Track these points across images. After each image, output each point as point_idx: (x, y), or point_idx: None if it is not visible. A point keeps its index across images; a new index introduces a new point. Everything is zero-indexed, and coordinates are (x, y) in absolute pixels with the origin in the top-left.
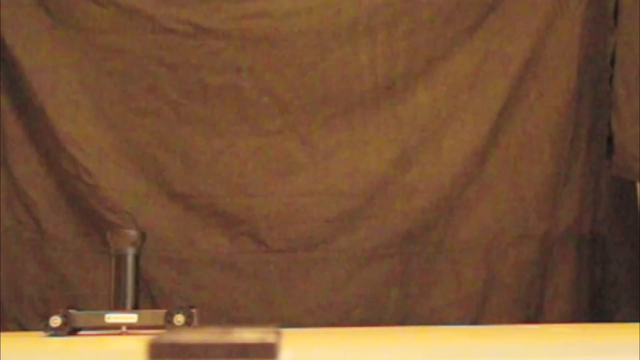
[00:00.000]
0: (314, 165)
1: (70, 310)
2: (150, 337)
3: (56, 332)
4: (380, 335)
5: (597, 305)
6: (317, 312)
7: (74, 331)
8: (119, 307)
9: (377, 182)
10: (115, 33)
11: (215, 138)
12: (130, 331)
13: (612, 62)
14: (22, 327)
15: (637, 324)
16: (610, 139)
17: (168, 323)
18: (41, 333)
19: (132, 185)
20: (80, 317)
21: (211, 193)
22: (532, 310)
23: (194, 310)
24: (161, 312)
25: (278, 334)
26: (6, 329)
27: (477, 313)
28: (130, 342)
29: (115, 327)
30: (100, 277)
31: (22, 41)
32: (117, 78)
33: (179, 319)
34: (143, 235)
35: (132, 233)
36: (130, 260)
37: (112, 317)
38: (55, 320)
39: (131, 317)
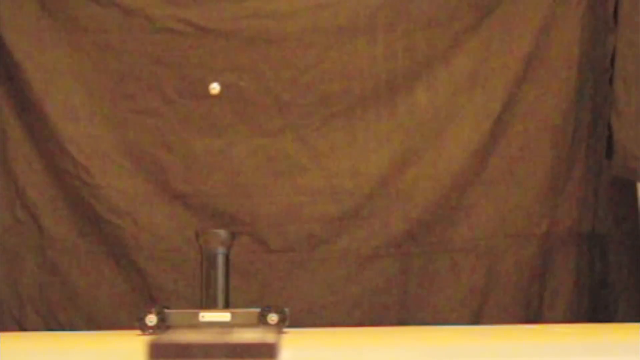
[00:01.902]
0: (314, 165)
1: (165, 309)
2: (151, 337)
3: (152, 330)
4: (380, 335)
5: (597, 305)
6: (317, 312)
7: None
8: (209, 306)
9: (377, 182)
10: (115, 33)
11: (215, 138)
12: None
13: (612, 62)
14: (22, 327)
15: (637, 324)
16: (610, 139)
17: (262, 322)
18: (137, 332)
19: (132, 185)
20: (175, 315)
21: (211, 193)
22: (532, 310)
23: (287, 310)
24: (254, 312)
25: (278, 334)
26: (6, 329)
27: (477, 313)
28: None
29: (209, 326)
30: (100, 277)
31: (22, 41)
32: (117, 78)
33: (273, 318)
34: (232, 235)
35: (222, 232)
36: (220, 259)
37: (206, 316)
38: (151, 319)
39: (224, 316)
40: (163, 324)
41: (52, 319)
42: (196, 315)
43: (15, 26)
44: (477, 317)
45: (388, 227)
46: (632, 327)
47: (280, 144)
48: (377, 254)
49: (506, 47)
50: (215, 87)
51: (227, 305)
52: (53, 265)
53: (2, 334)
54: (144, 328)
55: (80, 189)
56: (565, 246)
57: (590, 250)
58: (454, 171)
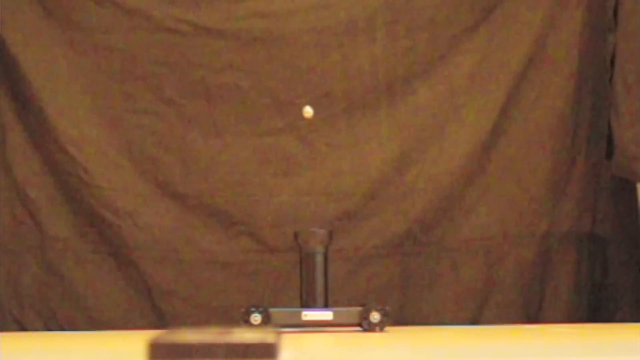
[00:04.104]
0: (314, 165)
1: (270, 308)
2: (151, 337)
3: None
4: (380, 335)
5: (597, 305)
6: None
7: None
8: (309, 304)
9: (377, 182)
10: (115, 33)
11: (215, 138)
12: (325, 329)
13: (612, 62)
14: (22, 327)
15: (637, 324)
16: (610, 139)
17: (364, 321)
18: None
19: (132, 185)
20: (278, 314)
21: (211, 193)
22: (532, 310)
23: (388, 309)
24: (356, 310)
25: (278, 334)
26: (6, 329)
27: (477, 313)
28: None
29: (311, 325)
30: (100, 277)
31: (22, 41)
32: (117, 78)
33: (375, 316)
34: (331, 234)
35: (321, 232)
36: (319, 258)
37: (308, 315)
38: (256, 318)
39: (327, 315)
40: (267, 323)
41: (52, 319)
42: (299, 314)
43: (15, 26)
44: (477, 317)
45: (388, 227)
46: (632, 327)
47: (280, 144)
48: (377, 254)
49: (506, 47)
50: (308, 111)
51: (326, 304)
52: (53, 265)
53: (2, 334)
54: (249, 327)
55: (80, 189)
56: (565, 246)
57: (590, 251)
58: (454, 171)
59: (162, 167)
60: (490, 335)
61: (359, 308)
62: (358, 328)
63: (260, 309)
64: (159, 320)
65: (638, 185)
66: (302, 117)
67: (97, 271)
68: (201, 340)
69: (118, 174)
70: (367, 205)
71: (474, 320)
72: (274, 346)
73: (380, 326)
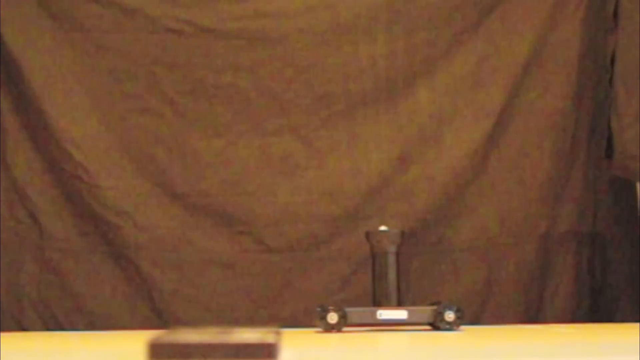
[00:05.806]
0: (314, 165)
1: (346, 308)
2: (151, 337)
3: (333, 328)
4: (380, 335)
5: (597, 305)
6: None
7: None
8: (382, 304)
9: (377, 182)
10: (115, 33)
11: (215, 138)
12: (398, 328)
13: (612, 62)
14: (22, 327)
15: (637, 324)
16: (610, 139)
17: (438, 319)
18: (318, 329)
19: (132, 185)
20: (354, 314)
21: (211, 193)
22: (532, 310)
23: (462, 307)
24: (430, 309)
25: (278, 334)
26: (6, 329)
27: (477, 313)
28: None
29: (386, 324)
30: (100, 277)
31: (22, 41)
32: (117, 77)
33: (450, 315)
34: (402, 234)
35: (394, 231)
36: (392, 258)
37: (383, 314)
38: (333, 317)
39: (401, 314)
40: (343, 322)
41: (52, 319)
42: (374, 313)
43: (15, 26)
44: (477, 317)
45: (388, 227)
46: (632, 327)
47: (280, 144)
48: None
49: (506, 47)
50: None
51: (399, 303)
52: (53, 265)
53: (2, 334)
54: (325, 326)
55: (80, 189)
56: (565, 246)
57: (590, 250)
58: (454, 171)
59: (162, 167)
60: (490, 335)
61: (433, 307)
62: (430, 327)
63: (337, 308)
64: (159, 320)
65: (638, 185)
66: (301, 117)
67: (97, 271)
68: (201, 340)
69: (118, 174)
70: (367, 205)
71: (474, 320)
72: (274, 346)
73: (455, 325)
